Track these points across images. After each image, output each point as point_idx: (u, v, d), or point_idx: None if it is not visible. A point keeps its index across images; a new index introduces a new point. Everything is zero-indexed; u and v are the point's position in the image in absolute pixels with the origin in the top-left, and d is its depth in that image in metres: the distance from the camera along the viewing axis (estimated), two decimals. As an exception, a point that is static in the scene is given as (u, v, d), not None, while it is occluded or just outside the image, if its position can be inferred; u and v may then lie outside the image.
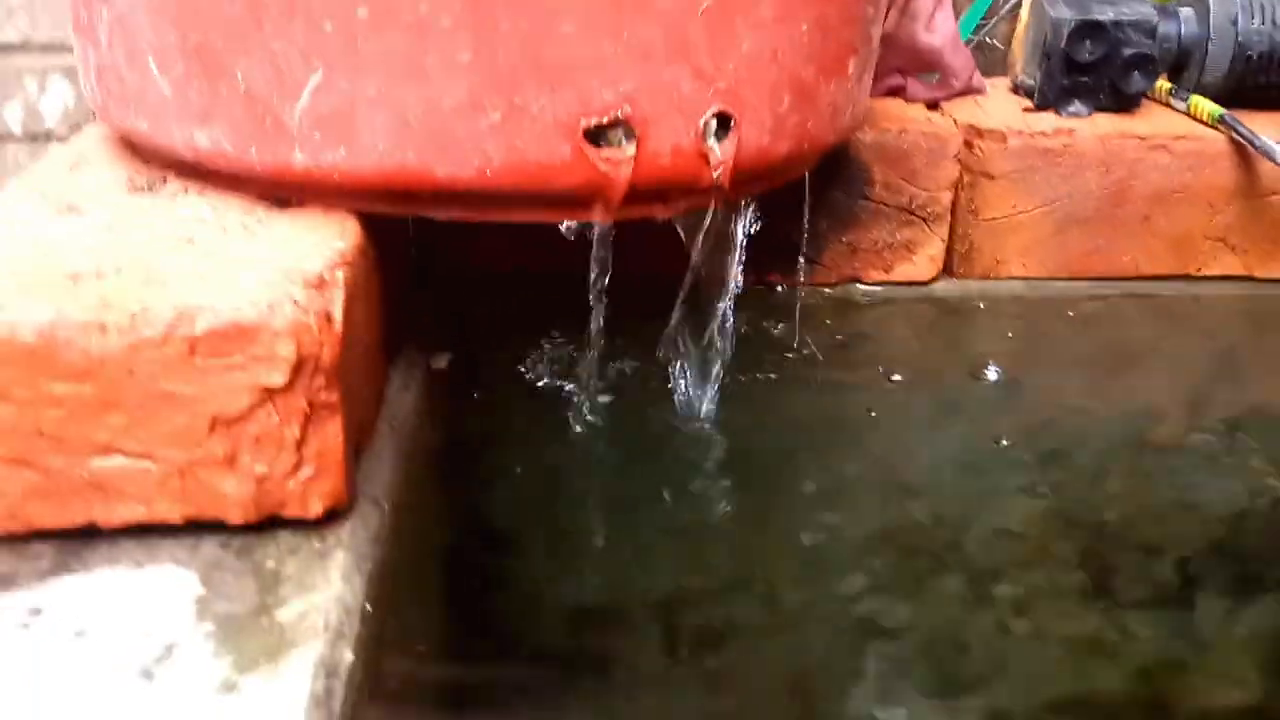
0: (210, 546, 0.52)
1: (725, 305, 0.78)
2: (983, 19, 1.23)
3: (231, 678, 0.44)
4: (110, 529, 0.52)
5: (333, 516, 0.54)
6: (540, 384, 0.86)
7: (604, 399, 0.86)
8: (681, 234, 0.72)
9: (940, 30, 1.01)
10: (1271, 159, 0.94)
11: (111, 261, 0.54)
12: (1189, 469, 1.03)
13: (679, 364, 0.83)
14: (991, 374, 1.01)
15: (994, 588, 0.93)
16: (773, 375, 0.96)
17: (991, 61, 1.21)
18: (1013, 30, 1.11)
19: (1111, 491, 1.01)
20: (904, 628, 0.89)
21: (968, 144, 0.97)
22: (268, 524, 0.53)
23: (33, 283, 0.51)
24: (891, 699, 0.84)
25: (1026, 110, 1.02)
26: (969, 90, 1.04)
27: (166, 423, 0.50)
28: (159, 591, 0.49)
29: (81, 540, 0.52)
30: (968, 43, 1.19)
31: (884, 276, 1.00)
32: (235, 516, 0.52)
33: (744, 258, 0.82)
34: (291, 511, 0.52)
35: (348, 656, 0.47)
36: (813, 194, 0.92)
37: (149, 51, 0.61)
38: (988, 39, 1.26)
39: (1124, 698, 0.86)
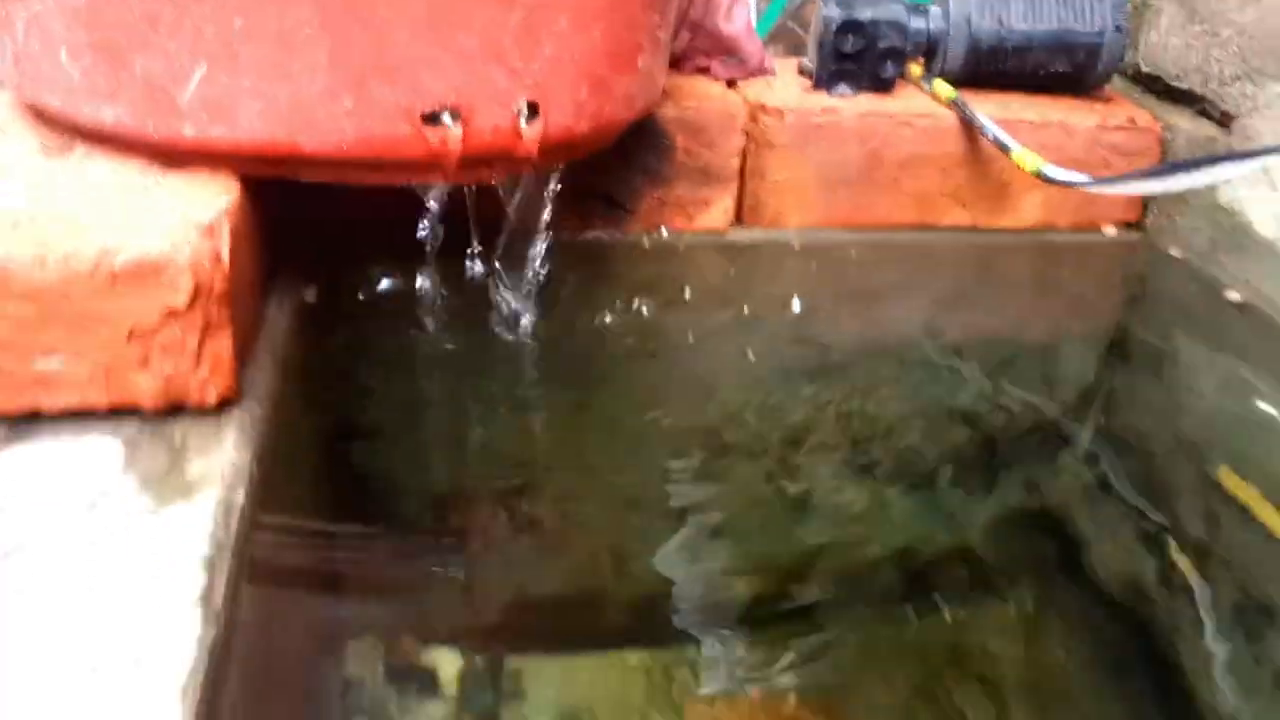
0: (130, 426, 0.68)
1: (540, 244, 0.97)
2: (782, 11, 1.41)
3: (155, 507, 0.61)
4: (51, 413, 0.68)
5: (224, 406, 0.71)
6: (391, 310, 1.03)
7: (444, 320, 1.03)
8: (501, 193, 0.89)
9: (737, 21, 1.20)
10: (984, 134, 1.16)
11: (42, 211, 0.69)
12: (931, 379, 1.26)
13: (503, 292, 1.01)
14: (777, 305, 1.22)
15: (780, 473, 1.14)
16: (593, 304, 1.14)
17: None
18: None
19: (873, 398, 1.23)
20: (705, 503, 1.10)
21: (753, 118, 1.16)
22: (174, 410, 0.69)
23: (-15, 228, 0.66)
24: (694, 559, 1.04)
25: (806, 90, 1.21)
26: (760, 71, 1.23)
27: (94, 334, 0.66)
28: (92, 457, 0.65)
29: (29, 422, 0.67)
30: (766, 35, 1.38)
31: (688, 225, 1.19)
32: (149, 403, 0.68)
33: (568, 210, 1.00)
34: (193, 401, 0.69)
35: (240, 498, 0.64)
36: (629, 158, 1.11)
37: (61, 44, 0.76)
38: (791, 24, 1.45)
39: (883, 555, 1.09)
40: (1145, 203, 1.30)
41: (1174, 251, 1.25)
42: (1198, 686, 0.93)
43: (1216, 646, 0.94)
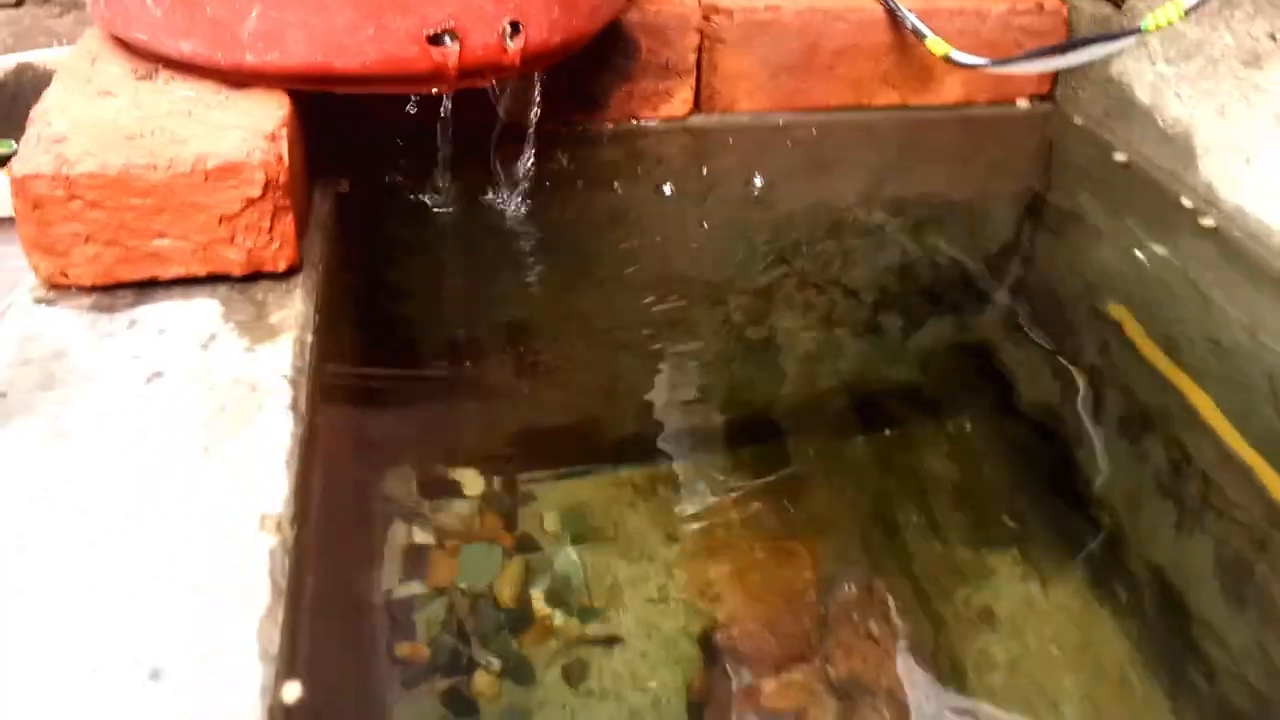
0: (224, 288, 0.91)
1: (529, 136, 1.17)
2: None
3: (250, 345, 0.84)
4: (164, 280, 0.90)
5: (292, 271, 0.93)
6: (410, 195, 1.24)
7: (452, 202, 1.24)
8: (493, 96, 1.10)
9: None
10: (905, 24, 1.34)
11: (147, 127, 0.90)
12: (871, 239, 1.43)
13: (499, 177, 1.22)
14: (733, 179, 1.40)
15: (744, 320, 1.33)
16: (575, 183, 1.33)
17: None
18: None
19: (822, 256, 1.41)
20: (681, 346, 1.28)
21: (706, 18, 1.34)
22: (255, 276, 0.91)
23: (106, 142, 0.87)
24: (675, 392, 1.23)
25: (757, -12, 1.39)
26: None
27: (194, 219, 0.88)
28: (199, 311, 0.88)
29: (149, 287, 0.90)
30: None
31: (653, 114, 1.38)
32: (237, 271, 0.90)
33: (553, 107, 1.19)
34: (269, 267, 0.91)
35: (309, 337, 0.87)
36: (601, 59, 1.29)
37: (145, -10, 0.96)
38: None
39: (837, 388, 1.27)
40: (1055, 77, 1.48)
41: (1077, 120, 1.43)
42: (1094, 483, 1.11)
43: (1108, 451, 1.13)
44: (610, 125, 1.36)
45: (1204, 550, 0.99)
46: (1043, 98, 1.48)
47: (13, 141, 1.52)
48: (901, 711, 0.91)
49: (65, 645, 0.61)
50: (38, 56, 1.60)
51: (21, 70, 1.59)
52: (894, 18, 1.36)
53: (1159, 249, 1.23)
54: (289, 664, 0.64)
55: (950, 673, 0.95)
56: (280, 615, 0.65)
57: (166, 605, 0.63)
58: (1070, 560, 1.06)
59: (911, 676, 0.94)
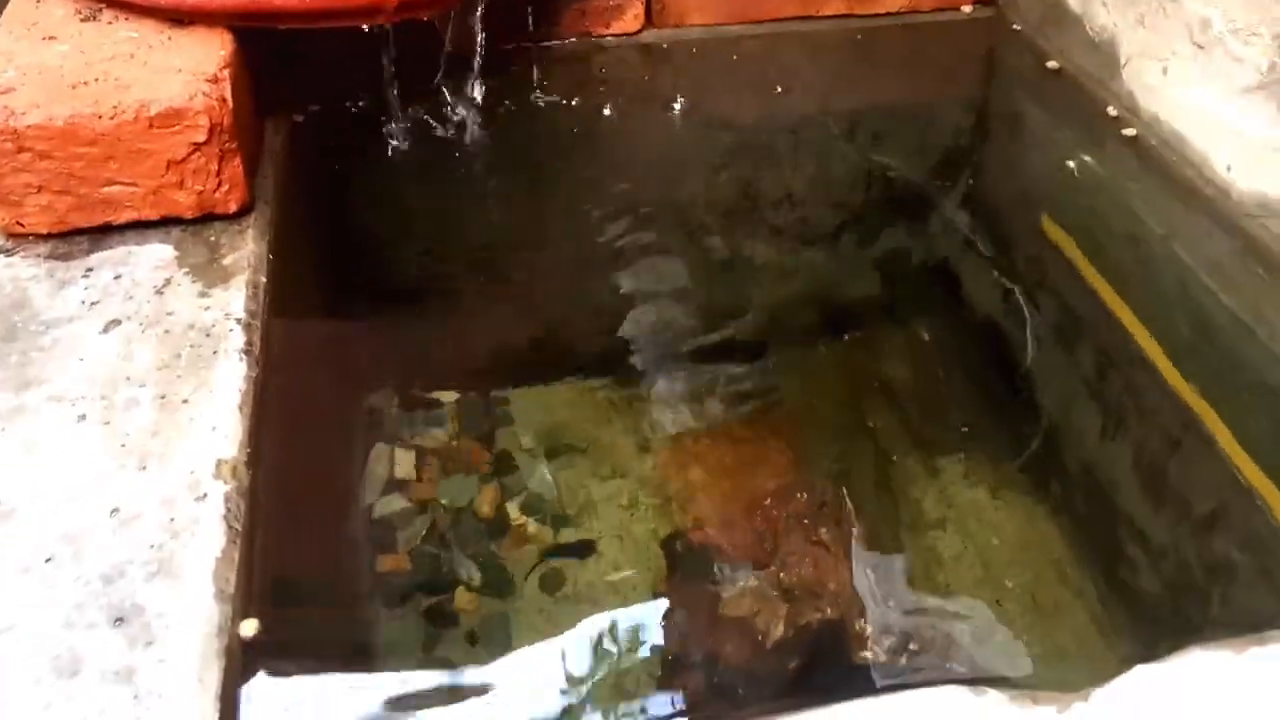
0: (176, 231, 0.89)
1: (476, 61, 1.13)
2: None
3: (205, 289, 0.82)
4: (118, 225, 0.88)
5: (243, 212, 0.91)
6: (363, 124, 1.21)
7: (406, 131, 1.21)
8: (438, 28, 1.06)
9: None
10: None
11: (92, 74, 0.87)
12: (824, 151, 1.41)
13: (451, 103, 1.19)
14: (686, 93, 1.36)
15: (704, 235, 1.32)
16: (531, 103, 1.30)
17: None
18: None
19: (776, 170, 1.39)
20: (646, 262, 1.26)
21: (654, -64, 1.29)
22: (207, 218, 0.90)
23: (52, 90, 0.85)
24: (642, 307, 1.22)
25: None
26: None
27: (142, 165, 0.86)
28: (154, 255, 0.86)
29: (103, 232, 0.88)
30: None
31: (606, 31, 1.34)
32: (188, 214, 0.89)
33: (503, 28, 1.15)
34: (220, 210, 0.89)
35: (263, 279, 0.85)
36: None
37: (81, -69, 0.91)
38: None
39: (798, 299, 1.26)
40: (999, -17, 1.43)
41: (1016, 25, 1.39)
42: (1032, 388, 1.13)
43: (1043, 357, 1.14)
44: (563, 43, 1.32)
45: (1126, 451, 1.00)
46: (985, 3, 1.44)
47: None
48: (849, 610, 0.94)
49: (32, 595, 0.61)
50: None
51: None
52: (838, -72, 1.31)
53: (1087, 158, 1.22)
54: (246, 601, 0.65)
55: (897, 572, 0.97)
56: (235, 556, 0.66)
57: (124, 555, 0.64)
58: (1013, 464, 1.07)
59: (858, 577, 0.96)
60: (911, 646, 0.91)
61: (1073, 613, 0.94)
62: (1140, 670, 0.59)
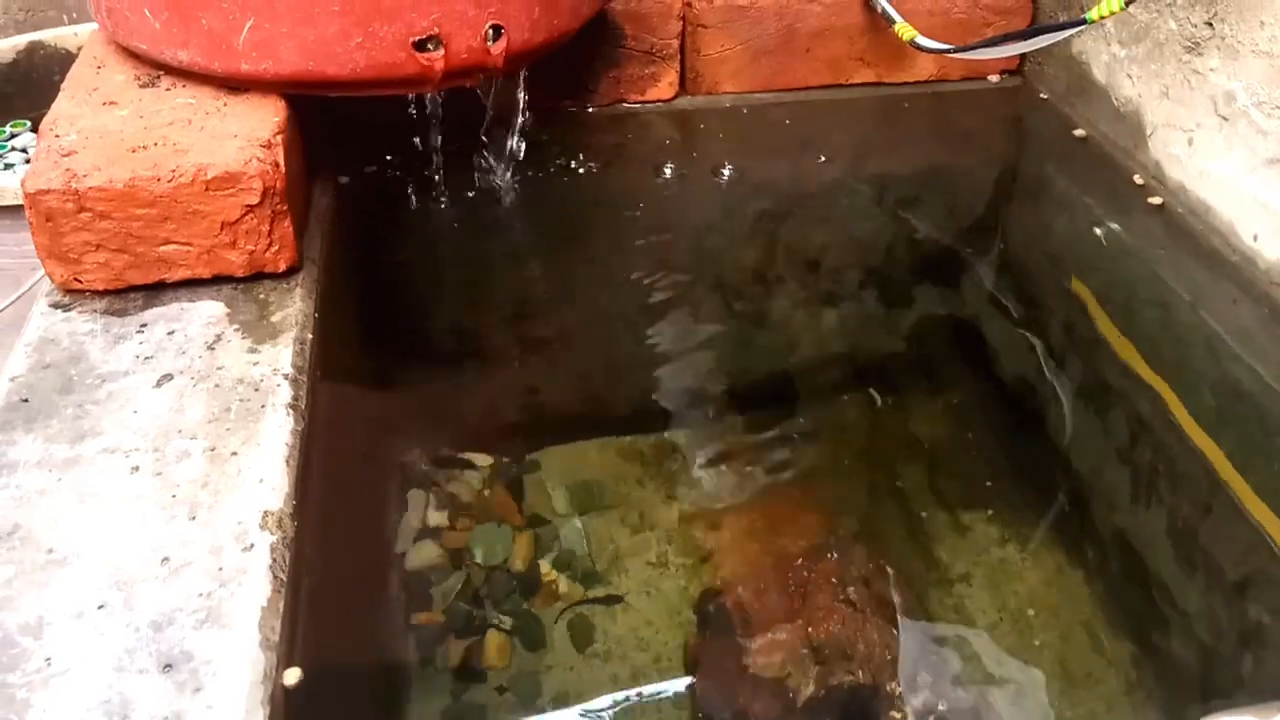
0: (228, 289, 0.92)
1: (517, 126, 1.17)
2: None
3: (254, 345, 0.85)
4: (172, 283, 0.91)
5: (291, 271, 0.94)
6: (407, 186, 1.24)
7: (447, 194, 1.24)
8: (481, 94, 1.10)
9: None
10: (875, 7, 1.33)
11: (151, 138, 0.91)
12: (853, 215, 1.43)
13: (491, 168, 1.22)
14: (719, 159, 1.39)
15: (735, 298, 1.33)
16: (569, 167, 1.33)
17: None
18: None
19: (806, 234, 1.41)
20: (678, 324, 1.27)
21: (687, 4, 1.33)
22: (257, 277, 0.92)
23: (113, 155, 0.88)
24: (674, 367, 1.23)
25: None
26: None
27: (197, 226, 0.89)
28: (205, 312, 0.89)
29: (157, 289, 0.91)
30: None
31: (641, 98, 1.38)
32: (239, 272, 0.92)
33: (546, 93, 1.18)
34: (270, 269, 0.92)
35: (310, 335, 0.88)
36: (590, 48, 1.29)
37: (144, 5, 0.96)
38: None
39: (828, 360, 1.27)
40: (1024, 54, 1.46)
41: (1043, 94, 1.42)
42: (1062, 451, 1.12)
43: (1073, 419, 1.14)
44: (599, 110, 1.36)
45: (1158, 516, 1.01)
46: (1012, 73, 1.47)
47: (26, 121, 1.53)
48: (879, 671, 0.93)
49: (84, 640, 0.63)
50: (49, 35, 1.60)
51: (33, 49, 1.59)
52: (866, 2, 1.35)
53: (1114, 225, 1.23)
54: (290, 650, 0.67)
55: (928, 634, 0.97)
56: (281, 606, 0.67)
57: (174, 603, 0.66)
58: (1042, 524, 1.07)
59: (889, 638, 0.96)
60: (941, 706, 0.91)
61: (1104, 679, 0.94)
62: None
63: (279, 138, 0.92)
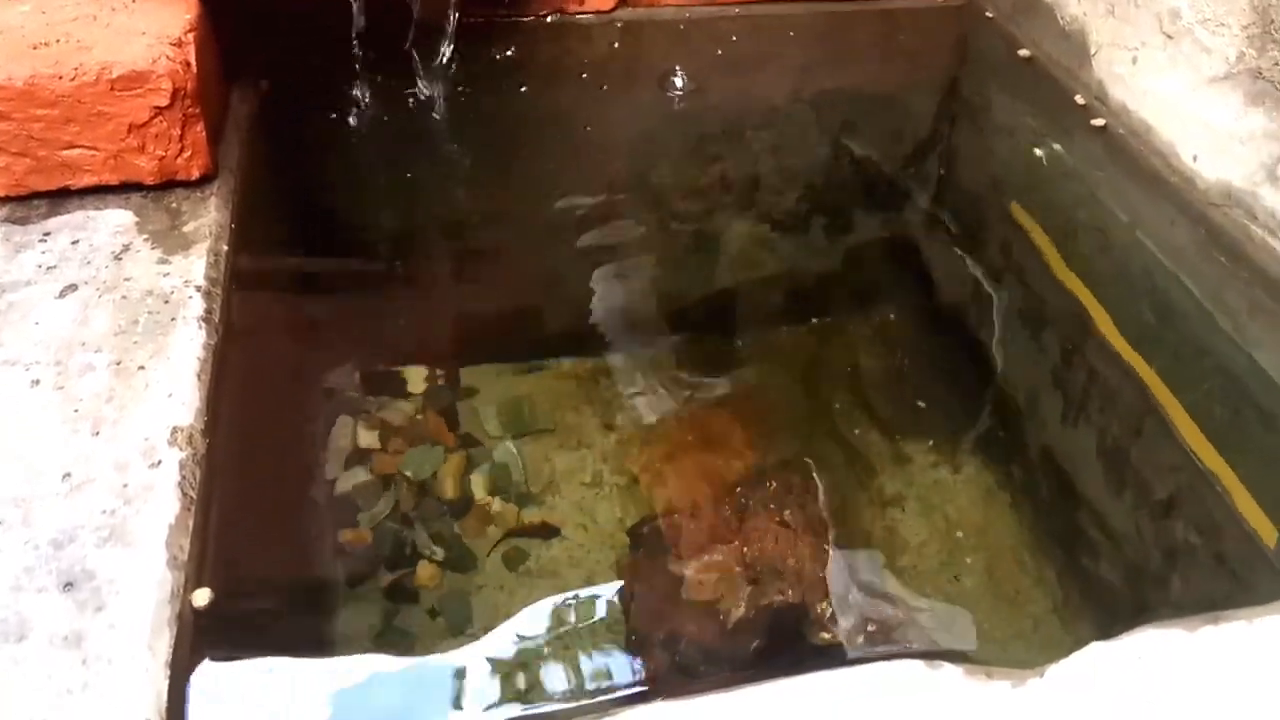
0: (137, 197, 0.87)
1: (448, 31, 1.11)
2: None
3: (164, 257, 0.81)
4: (77, 189, 0.86)
5: (206, 179, 0.89)
6: (332, 93, 1.18)
7: (374, 100, 1.19)
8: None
9: None
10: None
11: (53, 34, 0.85)
12: (796, 137, 1.40)
13: (421, 74, 1.17)
14: (659, 75, 1.35)
15: (674, 217, 1.30)
16: (502, 77, 1.28)
17: None
18: None
19: (748, 154, 1.37)
20: (615, 241, 1.25)
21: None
22: (168, 184, 0.88)
23: (12, 51, 0.83)
24: (611, 285, 1.20)
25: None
26: None
27: (103, 128, 0.84)
28: (112, 220, 0.85)
29: (62, 196, 0.86)
30: None
31: (580, 7, 1.32)
32: (149, 180, 0.87)
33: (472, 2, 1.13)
34: (182, 176, 0.88)
35: (225, 247, 0.84)
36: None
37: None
38: None
39: (766, 282, 1.25)
40: (972, -31, 1.43)
41: (989, 13, 1.39)
42: (997, 374, 1.12)
43: (1009, 343, 1.14)
44: (536, 18, 1.30)
45: (1088, 437, 1.01)
46: (959, -9, 1.44)
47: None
48: (811, 591, 0.93)
49: (-24, 561, 0.60)
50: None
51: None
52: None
53: (1055, 146, 1.22)
54: (200, 569, 0.64)
55: (860, 554, 0.97)
56: (190, 524, 0.65)
57: (75, 520, 0.62)
58: (975, 447, 1.07)
59: (821, 558, 0.96)
60: (870, 627, 0.91)
61: (1033, 598, 0.94)
62: (1095, 648, 0.59)
63: (190, 35, 0.87)
